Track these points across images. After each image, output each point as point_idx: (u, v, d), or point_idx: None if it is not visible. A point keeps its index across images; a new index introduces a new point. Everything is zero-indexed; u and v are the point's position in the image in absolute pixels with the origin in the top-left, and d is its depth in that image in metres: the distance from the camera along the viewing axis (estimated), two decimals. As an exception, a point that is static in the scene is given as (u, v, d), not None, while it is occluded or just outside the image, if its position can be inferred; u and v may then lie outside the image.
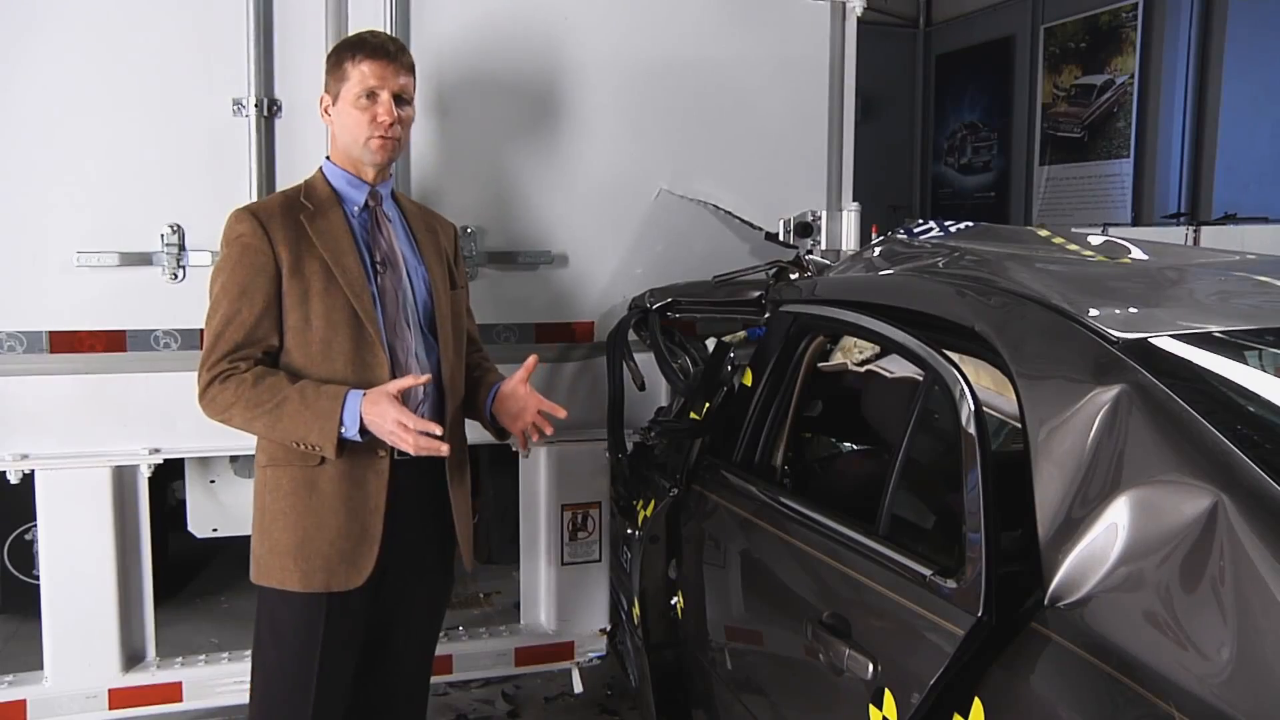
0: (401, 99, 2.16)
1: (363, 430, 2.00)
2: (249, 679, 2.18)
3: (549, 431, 2.27)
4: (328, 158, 2.21)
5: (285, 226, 2.06)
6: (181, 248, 2.69)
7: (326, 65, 2.19)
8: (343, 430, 1.99)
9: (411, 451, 2.00)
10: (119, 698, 2.80)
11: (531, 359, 2.26)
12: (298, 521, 2.06)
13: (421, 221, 2.31)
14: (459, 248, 2.41)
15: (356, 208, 2.17)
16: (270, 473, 2.09)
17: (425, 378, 2.04)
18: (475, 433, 3.02)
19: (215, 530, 3.29)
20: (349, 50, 2.15)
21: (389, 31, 2.75)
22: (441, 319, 2.21)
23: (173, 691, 2.86)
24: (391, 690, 2.28)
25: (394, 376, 2.08)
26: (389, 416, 1.97)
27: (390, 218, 2.22)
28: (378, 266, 2.14)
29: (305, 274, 2.05)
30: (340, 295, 2.05)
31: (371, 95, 2.11)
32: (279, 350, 2.07)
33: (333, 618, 2.08)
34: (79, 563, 2.72)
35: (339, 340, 2.05)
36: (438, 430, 2.00)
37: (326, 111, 2.19)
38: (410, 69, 2.20)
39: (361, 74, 2.11)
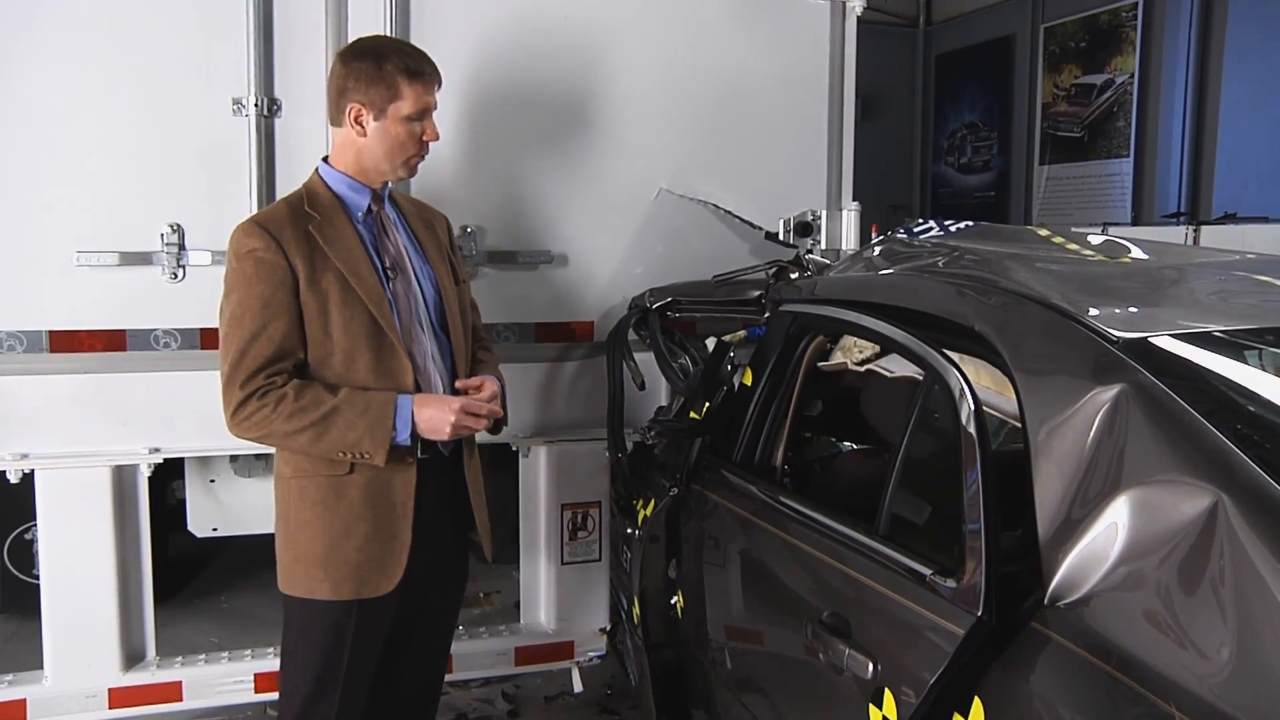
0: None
1: (412, 434, 2.03)
2: (250, 679, 2.19)
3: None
4: (325, 160, 2.17)
5: (296, 238, 2.02)
6: (181, 247, 2.69)
7: (362, 74, 2.08)
8: (394, 435, 2.00)
9: (480, 427, 2.10)
10: (119, 697, 2.80)
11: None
12: (325, 530, 2.05)
13: (419, 219, 2.30)
14: (454, 240, 2.40)
15: (361, 212, 2.15)
16: (296, 483, 2.08)
17: (477, 381, 2.18)
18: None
19: (215, 530, 3.29)
20: (402, 68, 2.08)
21: (388, 32, 2.76)
22: (452, 318, 2.21)
23: (173, 691, 2.86)
24: (408, 688, 2.30)
25: (415, 382, 2.09)
26: (452, 408, 2.04)
27: (391, 219, 2.21)
28: (389, 272, 2.12)
29: (322, 286, 2.02)
30: (359, 305, 2.04)
31: (422, 116, 2.12)
32: (304, 364, 2.05)
33: (361, 624, 2.08)
34: (79, 562, 2.72)
35: (361, 350, 2.04)
36: (494, 392, 2.15)
37: (358, 120, 2.09)
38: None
39: (417, 94, 2.10)
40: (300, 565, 2.07)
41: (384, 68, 2.08)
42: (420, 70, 2.12)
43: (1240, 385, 1.59)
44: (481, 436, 3.04)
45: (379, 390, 2.04)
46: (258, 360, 1.98)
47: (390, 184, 2.24)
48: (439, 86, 2.18)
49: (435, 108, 2.17)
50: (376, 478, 2.06)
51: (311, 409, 1.98)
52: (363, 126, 2.10)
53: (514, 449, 3.09)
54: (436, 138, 2.16)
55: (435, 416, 2.03)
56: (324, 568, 2.05)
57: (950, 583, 1.55)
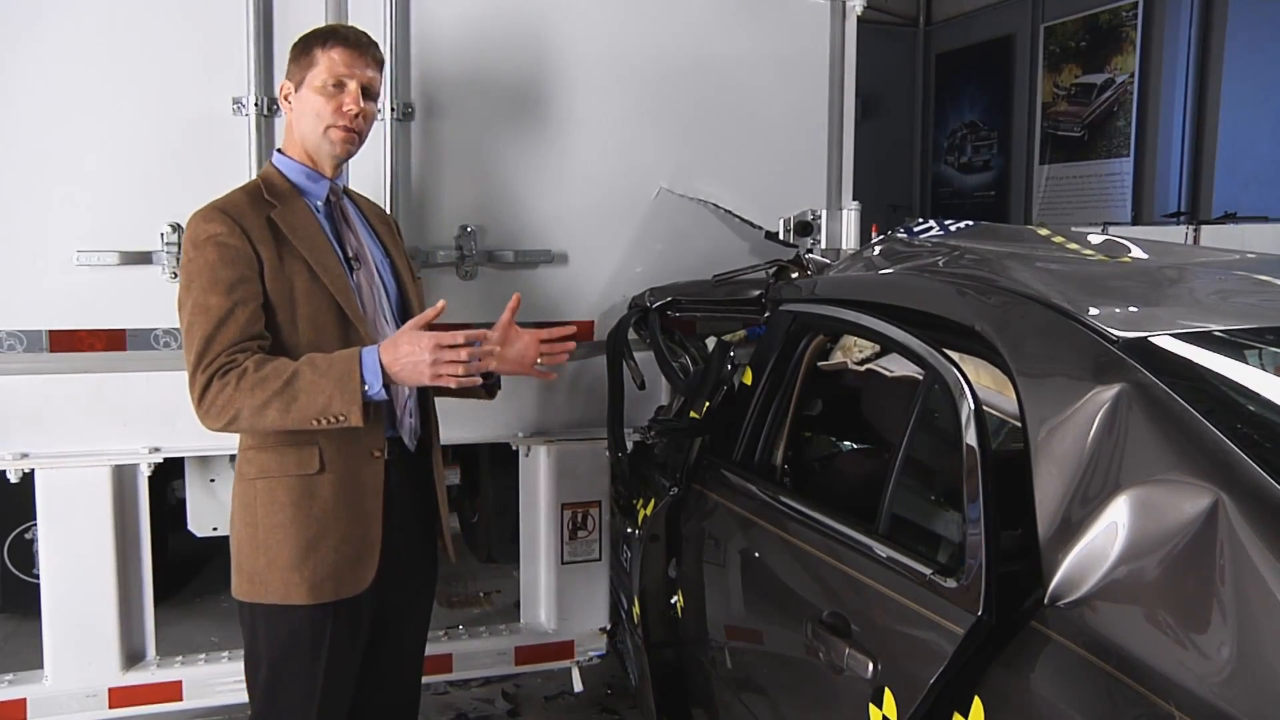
0: (368, 92, 2.09)
1: (385, 386, 1.91)
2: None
3: (564, 359, 2.18)
4: (279, 150, 2.13)
5: (259, 225, 1.96)
6: (181, 246, 2.68)
7: (291, 54, 2.11)
8: (366, 390, 1.88)
9: (461, 375, 1.88)
10: (119, 696, 2.81)
11: (515, 297, 2.13)
12: (299, 532, 1.99)
13: (374, 213, 2.28)
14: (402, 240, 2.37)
15: (319, 202, 2.10)
16: (263, 485, 2.00)
17: (441, 304, 1.95)
18: (476, 432, 3.03)
19: (215, 529, 3.29)
20: (319, 38, 2.08)
21: (389, 29, 2.76)
22: (413, 310, 2.17)
23: (173, 690, 2.86)
24: (388, 688, 2.27)
25: None
26: (424, 345, 1.87)
27: (350, 211, 2.17)
28: (353, 262, 2.08)
29: (287, 274, 1.97)
30: (325, 295, 1.99)
31: (339, 84, 2.04)
32: (269, 350, 1.98)
33: (338, 626, 2.03)
34: (79, 562, 2.72)
35: (327, 342, 1.98)
36: (495, 336, 1.99)
37: (286, 98, 2.10)
38: (379, 64, 2.14)
39: (331, 61, 2.04)
40: (273, 570, 1.99)
41: (307, 42, 2.09)
42: (334, 37, 2.06)
43: (1240, 385, 1.59)
44: (481, 435, 3.05)
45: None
46: (223, 345, 1.89)
47: (344, 176, 2.18)
48: (373, 63, 2.10)
49: (365, 81, 2.07)
50: (348, 476, 2.01)
51: (273, 378, 1.87)
52: (290, 103, 2.10)
53: (514, 449, 3.09)
54: (356, 105, 2.04)
55: (411, 354, 1.87)
56: (299, 571, 1.98)
57: (950, 582, 1.55)
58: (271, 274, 1.96)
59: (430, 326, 1.95)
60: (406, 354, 1.89)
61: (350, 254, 2.09)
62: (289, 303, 1.97)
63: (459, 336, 1.90)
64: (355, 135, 2.09)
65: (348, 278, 2.04)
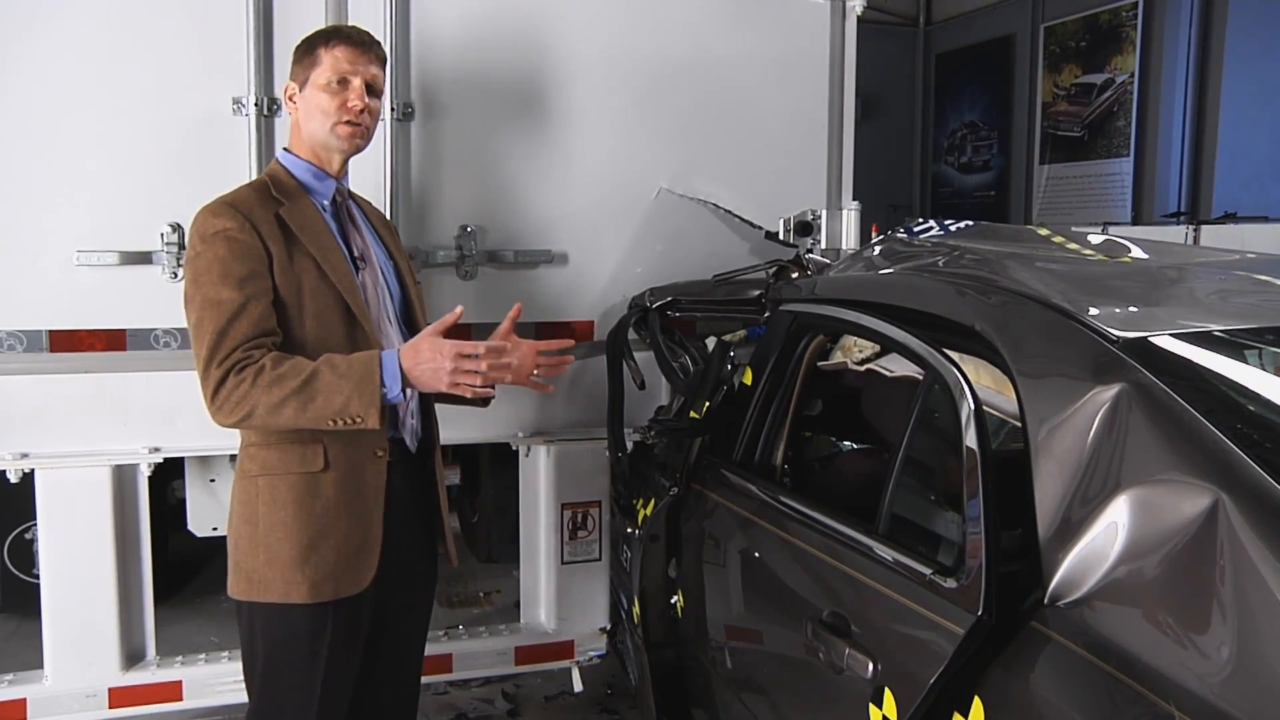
0: (372, 89, 2.11)
1: (403, 389, 1.93)
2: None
3: (562, 372, 2.21)
4: (285, 149, 2.14)
5: (267, 220, 1.97)
6: (181, 246, 2.68)
7: (295, 55, 2.13)
8: (384, 393, 1.90)
9: (478, 385, 1.93)
10: (119, 696, 2.81)
11: (515, 308, 2.16)
12: (300, 530, 1.98)
13: (377, 217, 2.30)
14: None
15: (325, 201, 2.11)
16: (264, 482, 2.00)
17: (460, 310, 1.97)
18: (476, 432, 3.03)
19: (215, 529, 3.29)
20: (322, 37, 2.10)
21: (389, 30, 2.77)
22: (416, 314, 2.19)
23: (173, 690, 2.86)
24: (387, 688, 2.27)
25: None
26: (445, 352, 1.90)
27: (355, 213, 2.18)
28: (358, 262, 2.09)
29: (296, 271, 1.97)
30: (332, 293, 1.99)
31: (343, 81, 2.06)
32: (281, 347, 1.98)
33: (338, 625, 2.02)
34: (79, 562, 2.72)
35: (333, 340, 1.98)
36: (506, 345, 2.00)
37: (291, 99, 2.12)
38: (382, 61, 2.16)
39: (335, 59, 2.06)
40: (272, 568, 1.99)
41: (311, 43, 2.11)
42: (337, 36, 2.09)
43: (1240, 385, 1.59)
44: (482, 435, 3.05)
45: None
46: (237, 340, 1.89)
47: (348, 176, 2.19)
48: (376, 61, 2.12)
49: (369, 79, 2.09)
50: (350, 475, 2.01)
51: (291, 376, 1.87)
52: (294, 103, 2.12)
53: (514, 449, 3.09)
54: (361, 101, 2.06)
55: (432, 360, 1.90)
56: (301, 569, 1.97)
57: (950, 582, 1.55)
58: (280, 270, 1.96)
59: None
60: (428, 359, 1.91)
61: (356, 254, 2.11)
62: (297, 300, 1.98)
63: (480, 347, 1.93)
64: (362, 130, 2.10)
65: (354, 277, 2.05)
